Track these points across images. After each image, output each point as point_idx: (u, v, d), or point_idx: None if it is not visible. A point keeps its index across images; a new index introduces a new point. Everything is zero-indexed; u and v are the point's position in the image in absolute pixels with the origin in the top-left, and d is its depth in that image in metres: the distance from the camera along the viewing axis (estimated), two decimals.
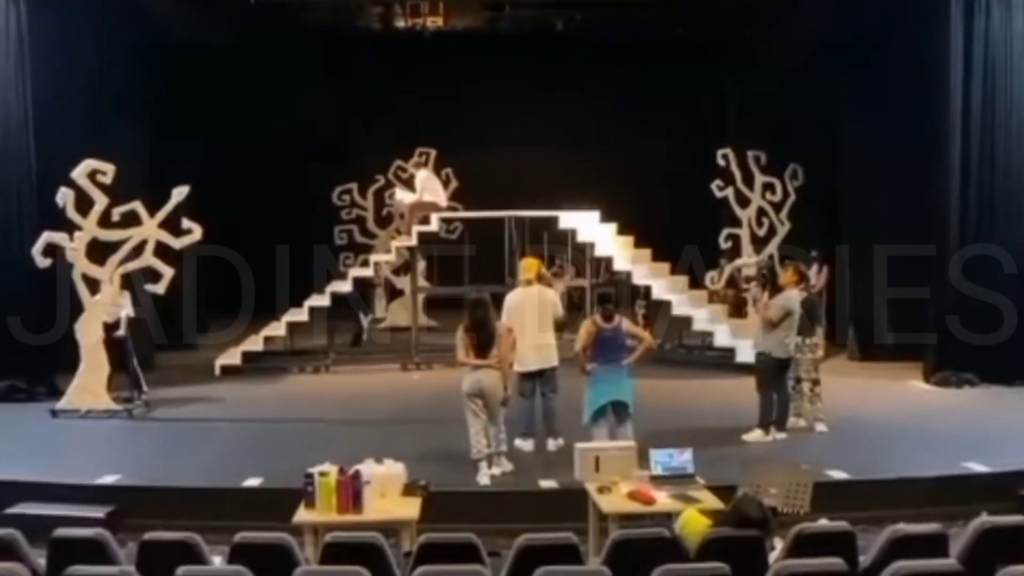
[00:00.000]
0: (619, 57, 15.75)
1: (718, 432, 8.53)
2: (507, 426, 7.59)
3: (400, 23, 15.72)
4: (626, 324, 7.55)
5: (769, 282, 8.86)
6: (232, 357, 11.91)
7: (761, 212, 13.56)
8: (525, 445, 8.06)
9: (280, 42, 14.94)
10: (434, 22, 15.61)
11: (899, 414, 9.43)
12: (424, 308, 13.94)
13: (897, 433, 8.69)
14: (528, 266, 8.36)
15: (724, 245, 13.58)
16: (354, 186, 15.84)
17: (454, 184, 15.30)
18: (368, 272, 13.06)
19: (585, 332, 7.39)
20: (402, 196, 12.67)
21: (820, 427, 8.66)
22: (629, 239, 12.29)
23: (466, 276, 12.67)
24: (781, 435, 8.39)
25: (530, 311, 7.99)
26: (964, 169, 10.55)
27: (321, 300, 12.34)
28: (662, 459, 6.28)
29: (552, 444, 7.98)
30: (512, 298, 8.15)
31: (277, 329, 12.22)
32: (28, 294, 9.80)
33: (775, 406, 8.35)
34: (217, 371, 11.60)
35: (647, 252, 12.36)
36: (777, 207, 13.48)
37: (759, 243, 13.54)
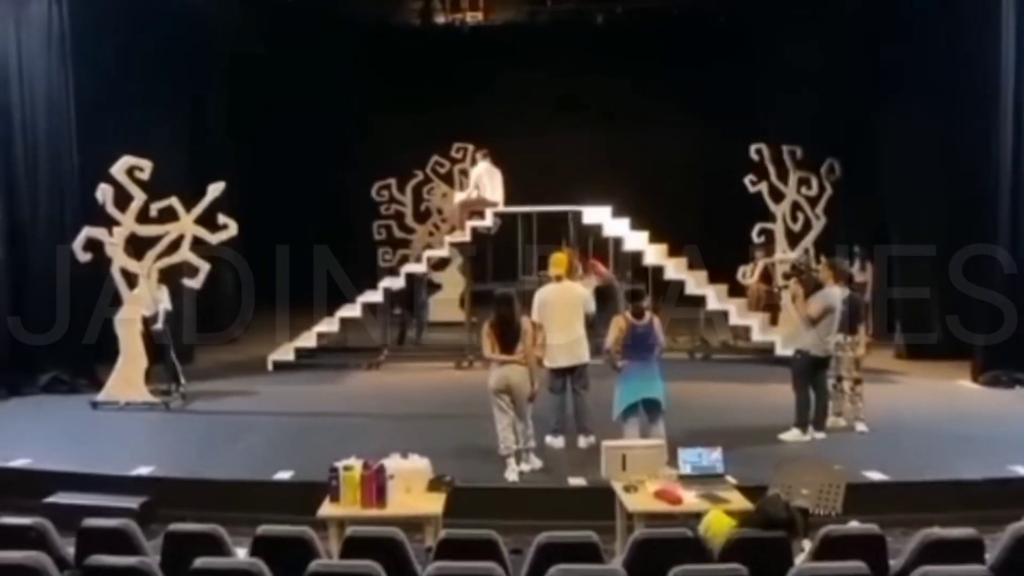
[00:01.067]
0: (658, 51, 15.75)
1: (752, 431, 8.42)
2: (536, 422, 7.59)
3: (439, 18, 15.83)
4: (657, 321, 7.52)
5: (808, 278, 8.78)
6: (285, 353, 11.93)
7: (796, 207, 13.35)
8: (556, 442, 8.06)
9: (318, 39, 15.07)
10: (473, 17, 15.66)
11: (943, 414, 9.23)
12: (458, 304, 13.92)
13: (940, 434, 8.48)
14: (558, 261, 8.32)
15: (757, 240, 13.35)
16: (392, 181, 15.99)
17: None
18: (420, 267, 12.86)
19: (616, 329, 7.33)
20: (461, 193, 12.52)
21: (860, 427, 8.50)
22: (644, 235, 12.16)
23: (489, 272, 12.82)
24: (819, 435, 8.25)
25: (560, 307, 7.99)
26: (1016, 163, 10.25)
27: (374, 296, 12.36)
28: (691, 458, 6.21)
29: (583, 441, 7.98)
30: (542, 294, 8.18)
31: (331, 325, 12.18)
32: (74, 286, 9.99)
33: (813, 405, 8.22)
34: (270, 366, 11.68)
35: (664, 247, 12.23)
36: (813, 202, 13.27)
37: (794, 238, 13.33)
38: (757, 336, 11.90)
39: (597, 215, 11.86)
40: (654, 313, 7.58)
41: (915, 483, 7.05)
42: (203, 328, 12.27)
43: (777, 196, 13.37)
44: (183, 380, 10.13)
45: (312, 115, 16.30)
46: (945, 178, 11.31)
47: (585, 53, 15.84)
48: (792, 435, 8.20)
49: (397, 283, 12.45)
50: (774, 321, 12.35)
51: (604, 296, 10.00)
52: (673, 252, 12.21)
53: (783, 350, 10.62)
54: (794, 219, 13.32)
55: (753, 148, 13.16)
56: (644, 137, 15.95)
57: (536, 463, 7.45)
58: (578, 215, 11.72)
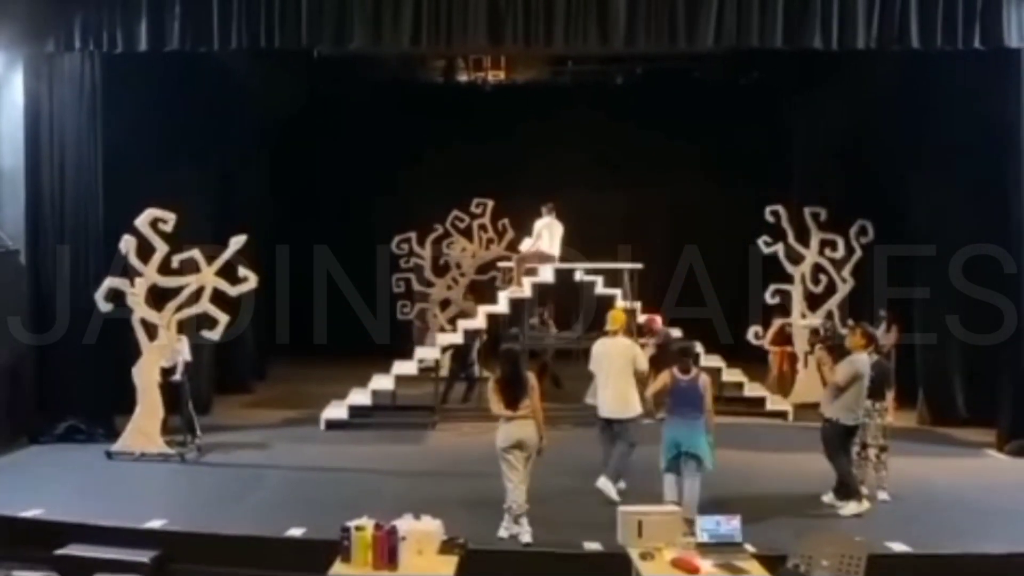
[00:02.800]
0: (679, 111, 15.91)
1: (772, 498, 8.34)
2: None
3: (462, 76, 16.15)
4: (703, 380, 7.67)
5: (835, 344, 8.80)
6: (337, 410, 11.56)
7: (818, 269, 13.18)
8: (606, 487, 8.19)
9: (343, 94, 15.38)
10: (495, 75, 15.99)
11: (968, 485, 9.11)
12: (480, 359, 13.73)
13: (964, 505, 8.36)
14: (614, 318, 8.81)
15: (771, 300, 13.22)
16: (413, 235, 16.10)
17: (510, 234, 15.46)
18: (477, 323, 12.32)
19: (660, 381, 7.74)
20: (525, 243, 12.24)
21: (883, 495, 8.38)
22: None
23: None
24: (840, 504, 8.13)
25: (611, 360, 8.43)
26: None
27: (432, 353, 12.20)
28: (709, 526, 6.14)
29: (603, 482, 8.22)
30: (596, 347, 8.66)
31: (385, 382, 11.85)
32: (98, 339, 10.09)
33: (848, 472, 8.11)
34: (322, 425, 11.34)
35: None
36: (838, 265, 13.12)
37: (814, 301, 13.21)
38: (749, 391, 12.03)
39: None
40: (700, 371, 7.81)
41: (938, 556, 6.94)
42: (222, 379, 12.40)
43: (795, 259, 13.28)
44: (199, 432, 10.18)
45: (341, 171, 16.66)
46: (969, 236, 11.14)
47: (606, 113, 16.08)
48: (851, 508, 8.01)
49: (454, 339, 12.18)
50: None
51: (663, 356, 10.01)
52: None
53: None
54: (815, 281, 13.18)
55: (768, 210, 13.15)
56: (669, 196, 16.14)
57: (526, 536, 7.20)
58: (635, 272, 11.81)
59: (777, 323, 13.46)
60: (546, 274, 11.90)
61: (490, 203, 15.55)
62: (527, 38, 10.02)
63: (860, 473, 8.34)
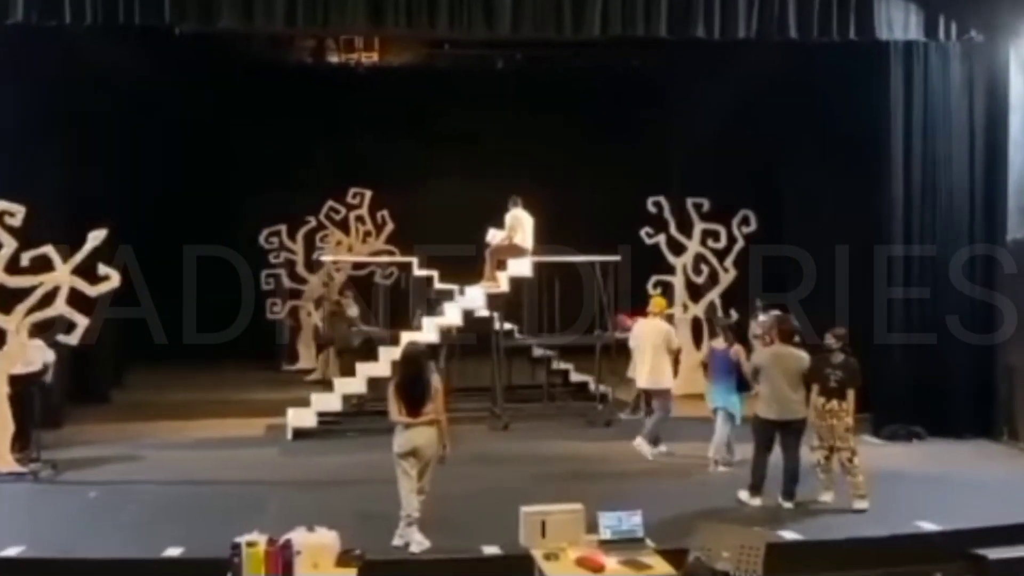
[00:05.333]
0: (562, 98, 15.96)
1: (666, 492, 8.64)
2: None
3: (333, 58, 15.77)
4: (736, 350, 9.21)
5: (727, 333, 9.44)
6: (303, 419, 10.99)
7: (700, 259, 13.60)
8: (641, 446, 9.96)
9: (206, 75, 14.76)
10: (369, 57, 15.68)
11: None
12: None
13: (845, 491, 8.76)
14: (656, 303, 10.72)
15: (652, 292, 12.87)
16: (283, 228, 15.64)
17: (390, 226, 15.37)
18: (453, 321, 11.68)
19: (706, 351, 10.41)
20: (492, 235, 11.88)
21: (860, 504, 8.09)
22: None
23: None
24: (787, 504, 8.20)
25: (647, 340, 10.22)
26: (907, 219, 11.00)
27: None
28: (611, 522, 6.29)
29: (654, 449, 9.93)
30: (638, 327, 10.63)
31: (356, 386, 11.29)
32: None
33: (763, 468, 8.29)
34: (289, 435, 10.85)
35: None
36: (720, 255, 13.59)
37: (695, 291, 13.59)
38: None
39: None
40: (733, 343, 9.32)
41: (829, 542, 7.32)
42: (76, 387, 11.71)
43: (677, 249, 13.66)
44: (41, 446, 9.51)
45: (205, 158, 15.96)
46: (840, 234, 11.76)
47: (485, 98, 15.95)
48: (744, 495, 8.30)
49: (429, 337, 11.30)
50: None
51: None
52: None
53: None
54: (697, 272, 13.60)
55: (651, 201, 13.43)
56: (547, 182, 15.59)
57: (423, 542, 7.16)
58: (618, 264, 11.70)
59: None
60: (522, 267, 11.60)
61: (368, 193, 15.33)
62: (409, 21, 9.93)
63: (827, 479, 8.29)
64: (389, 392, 7.21)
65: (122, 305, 11.43)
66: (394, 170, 15.63)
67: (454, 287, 12.08)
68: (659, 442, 10.01)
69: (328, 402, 11.24)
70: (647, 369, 10.14)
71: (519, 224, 11.75)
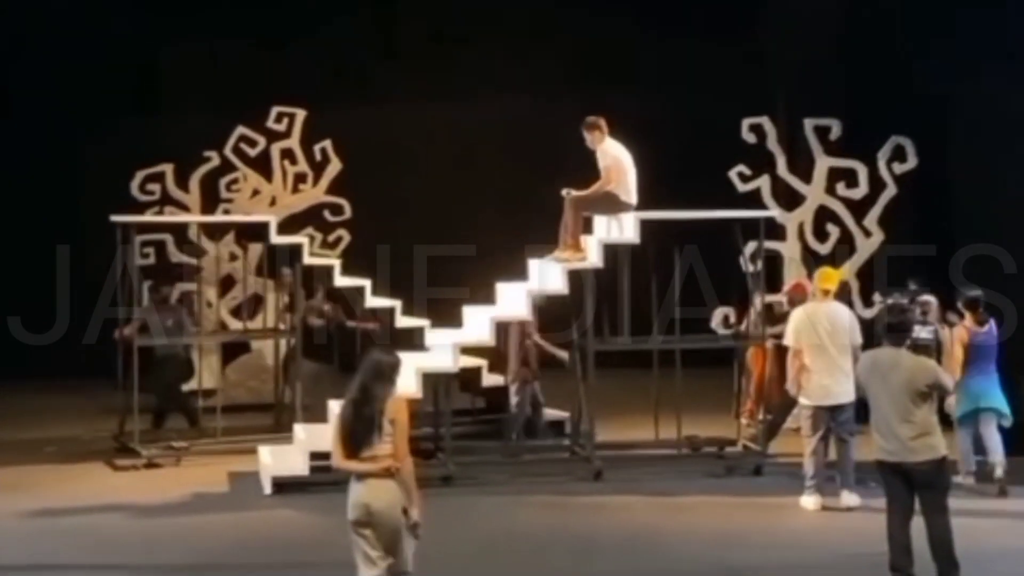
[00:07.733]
0: None
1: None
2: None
3: None
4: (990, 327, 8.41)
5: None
6: (287, 462, 8.76)
7: (824, 215, 10.86)
8: (809, 502, 8.08)
9: None
10: None
11: None
12: None
13: None
14: (826, 277, 8.45)
15: (751, 269, 9.99)
16: (167, 168, 12.00)
17: (335, 165, 12.07)
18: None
19: (957, 339, 8.43)
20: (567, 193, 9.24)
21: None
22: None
23: None
24: None
25: (824, 329, 8.29)
26: None
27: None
28: None
29: (848, 499, 7.99)
30: (800, 312, 8.42)
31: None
32: None
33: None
34: (267, 488, 8.59)
35: None
36: (857, 208, 10.79)
37: (820, 264, 10.34)
38: None
39: None
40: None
41: None
42: None
43: (790, 200, 10.95)
44: None
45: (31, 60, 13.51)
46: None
47: None
48: None
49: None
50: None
51: None
52: None
53: None
54: (820, 236, 10.86)
55: (747, 124, 10.87)
56: (576, 98, 12.63)
57: None
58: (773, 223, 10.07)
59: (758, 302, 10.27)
60: (625, 230, 9.05)
61: (300, 114, 11.97)
62: None
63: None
64: (332, 427, 6.33)
65: None
66: (342, 80, 13.65)
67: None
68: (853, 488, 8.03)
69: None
70: (825, 372, 8.16)
71: (616, 164, 9.03)
